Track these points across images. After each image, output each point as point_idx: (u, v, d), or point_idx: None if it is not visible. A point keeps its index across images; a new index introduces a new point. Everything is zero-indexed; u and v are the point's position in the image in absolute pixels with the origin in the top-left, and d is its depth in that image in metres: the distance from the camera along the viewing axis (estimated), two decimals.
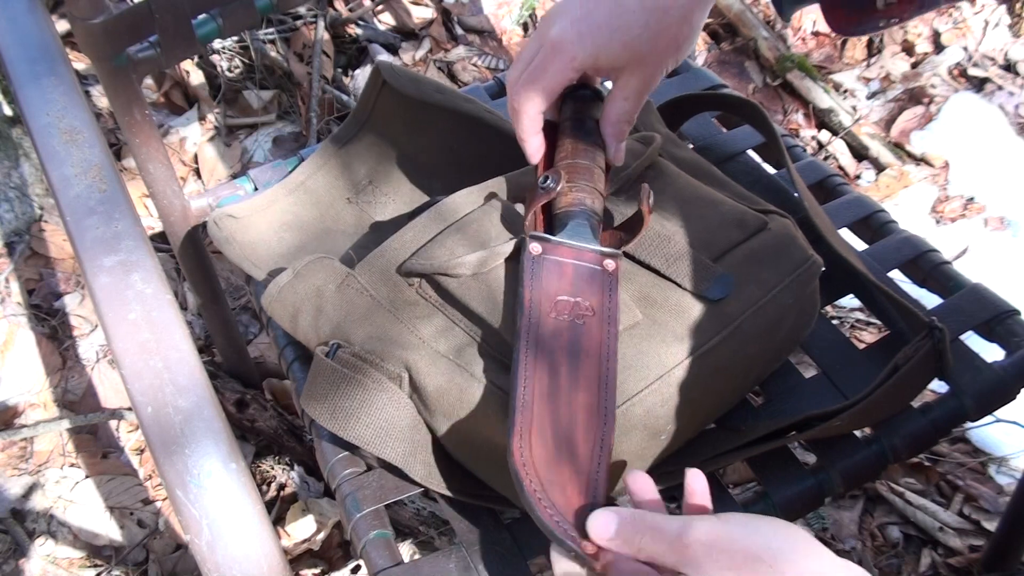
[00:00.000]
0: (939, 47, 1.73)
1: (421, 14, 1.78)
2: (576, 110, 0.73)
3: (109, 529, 1.17)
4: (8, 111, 1.44)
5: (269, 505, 1.20)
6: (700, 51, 1.76)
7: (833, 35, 1.76)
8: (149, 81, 1.64)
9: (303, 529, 1.17)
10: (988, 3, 1.76)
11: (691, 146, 0.93)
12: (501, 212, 0.70)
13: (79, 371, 1.31)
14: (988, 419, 1.06)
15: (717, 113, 0.97)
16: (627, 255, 0.69)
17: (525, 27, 1.80)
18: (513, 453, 0.57)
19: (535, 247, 0.66)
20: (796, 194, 0.86)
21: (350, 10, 1.77)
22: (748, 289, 0.69)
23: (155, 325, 0.59)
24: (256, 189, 0.93)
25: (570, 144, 0.71)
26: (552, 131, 0.74)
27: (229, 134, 1.61)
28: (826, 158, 1.61)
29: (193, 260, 1.04)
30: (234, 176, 1.43)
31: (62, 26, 1.57)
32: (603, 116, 0.71)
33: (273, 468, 1.22)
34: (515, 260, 0.67)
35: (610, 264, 0.66)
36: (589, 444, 0.59)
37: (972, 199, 1.54)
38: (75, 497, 1.19)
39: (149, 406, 0.55)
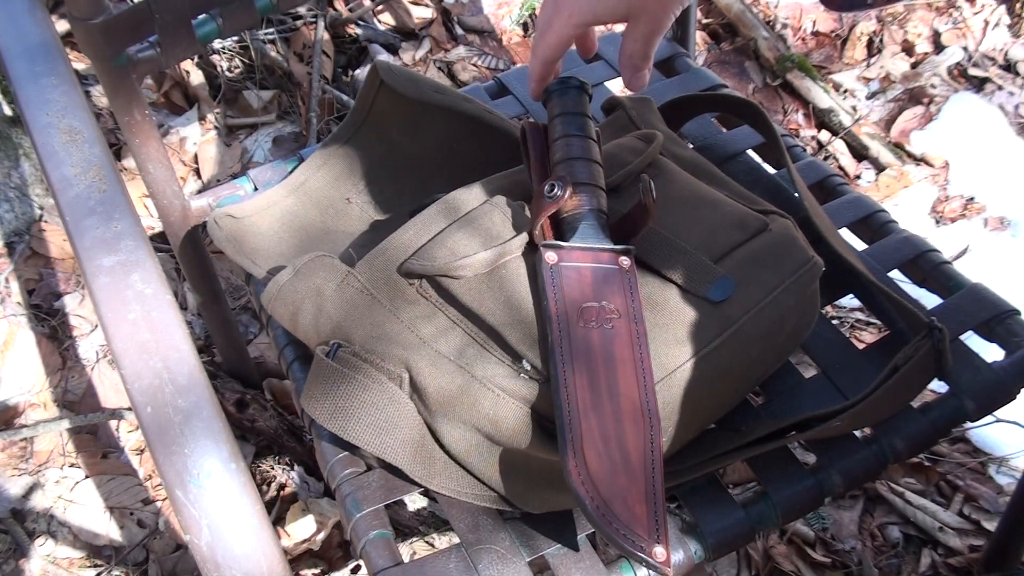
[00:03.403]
0: (939, 47, 1.73)
1: (421, 14, 1.78)
2: (564, 105, 0.73)
3: (109, 529, 1.17)
4: (8, 111, 1.44)
5: (269, 505, 1.20)
6: (700, 51, 1.76)
7: (832, 34, 1.76)
8: (149, 81, 1.64)
9: (303, 529, 1.17)
10: (988, 3, 1.76)
11: (691, 146, 0.93)
12: (502, 209, 0.70)
13: (79, 371, 1.31)
14: (988, 419, 1.06)
15: (717, 113, 0.97)
16: None
17: (525, 27, 1.80)
18: (571, 473, 0.57)
19: (551, 256, 0.65)
20: (796, 194, 0.86)
21: (350, 10, 1.77)
22: (749, 290, 0.68)
23: (155, 325, 0.59)
24: (256, 189, 0.93)
25: (563, 143, 0.71)
26: (543, 134, 0.74)
27: (229, 134, 1.61)
28: (826, 158, 1.61)
29: (193, 260, 1.04)
30: (234, 176, 1.43)
31: (62, 26, 1.57)
32: (620, 51, 0.72)
33: (273, 468, 1.22)
34: (518, 260, 0.67)
35: (625, 261, 0.66)
36: (640, 449, 0.59)
37: (972, 199, 1.54)
38: (75, 497, 1.19)
39: (149, 406, 0.55)
